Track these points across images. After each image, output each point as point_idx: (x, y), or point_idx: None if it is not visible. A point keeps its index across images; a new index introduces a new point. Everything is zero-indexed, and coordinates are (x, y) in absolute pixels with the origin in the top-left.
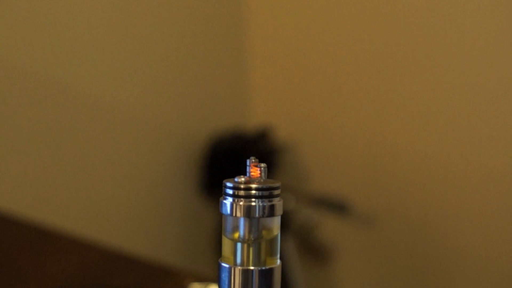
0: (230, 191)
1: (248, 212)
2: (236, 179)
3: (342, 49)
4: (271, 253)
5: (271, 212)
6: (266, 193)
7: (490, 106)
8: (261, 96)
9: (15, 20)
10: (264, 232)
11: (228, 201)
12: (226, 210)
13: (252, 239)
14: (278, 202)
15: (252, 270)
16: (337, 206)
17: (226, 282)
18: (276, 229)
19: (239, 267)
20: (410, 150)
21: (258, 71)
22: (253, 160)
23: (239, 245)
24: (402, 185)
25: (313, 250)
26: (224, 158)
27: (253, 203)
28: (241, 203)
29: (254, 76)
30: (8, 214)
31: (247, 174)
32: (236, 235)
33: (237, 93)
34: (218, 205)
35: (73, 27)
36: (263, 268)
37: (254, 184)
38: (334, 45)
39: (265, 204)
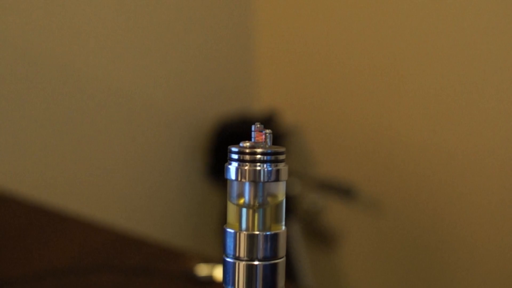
0: (235, 156)
1: (254, 176)
2: (241, 144)
3: (350, 33)
4: (276, 219)
5: (276, 176)
6: (271, 158)
7: (498, 95)
8: (268, 80)
9: (37, 10)
10: (269, 198)
11: (233, 166)
12: (231, 175)
13: (258, 204)
14: (283, 167)
15: (257, 234)
16: (343, 191)
17: (232, 247)
18: (281, 195)
19: (244, 232)
20: (417, 136)
21: (264, 55)
22: (258, 126)
23: (244, 210)
24: (409, 170)
25: (319, 235)
26: (230, 142)
27: (258, 168)
28: (246, 167)
29: (261, 60)
30: (14, 195)
31: (252, 139)
32: (241, 200)
33: (244, 77)
34: (225, 188)
35: (88, 12)
36: (269, 233)
37: (259, 148)
38: (341, 29)
39: (270, 168)
